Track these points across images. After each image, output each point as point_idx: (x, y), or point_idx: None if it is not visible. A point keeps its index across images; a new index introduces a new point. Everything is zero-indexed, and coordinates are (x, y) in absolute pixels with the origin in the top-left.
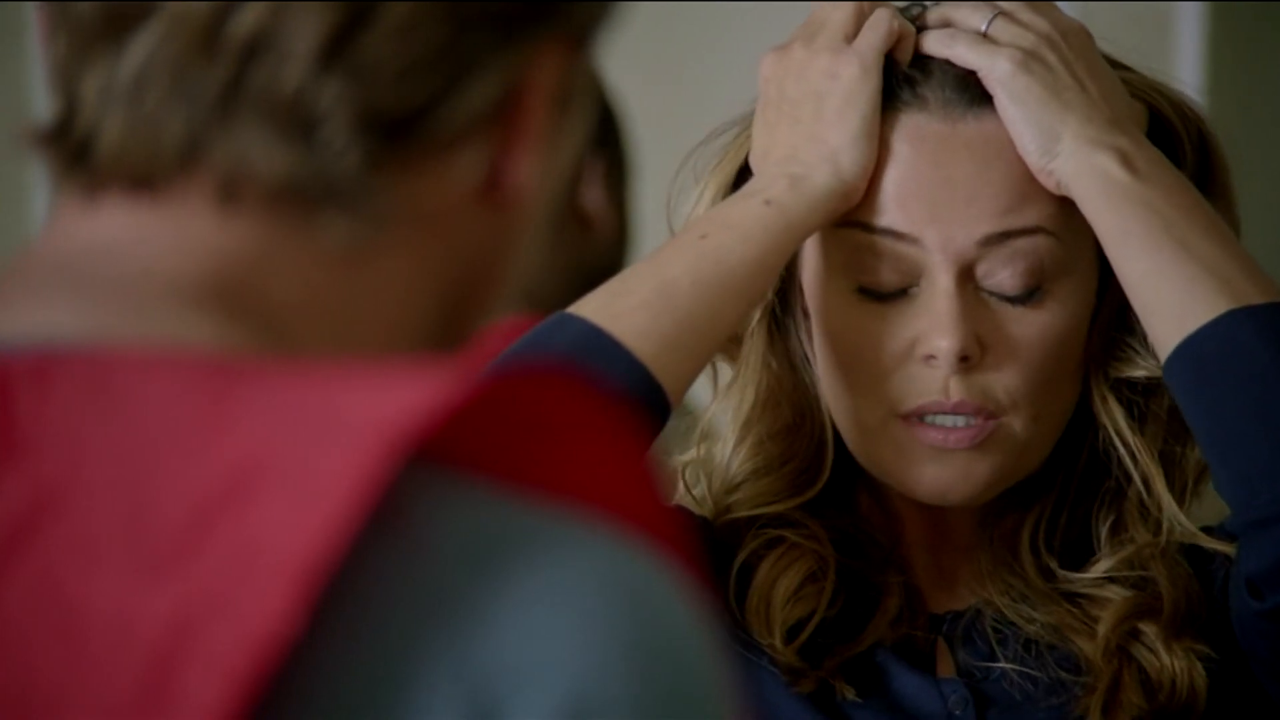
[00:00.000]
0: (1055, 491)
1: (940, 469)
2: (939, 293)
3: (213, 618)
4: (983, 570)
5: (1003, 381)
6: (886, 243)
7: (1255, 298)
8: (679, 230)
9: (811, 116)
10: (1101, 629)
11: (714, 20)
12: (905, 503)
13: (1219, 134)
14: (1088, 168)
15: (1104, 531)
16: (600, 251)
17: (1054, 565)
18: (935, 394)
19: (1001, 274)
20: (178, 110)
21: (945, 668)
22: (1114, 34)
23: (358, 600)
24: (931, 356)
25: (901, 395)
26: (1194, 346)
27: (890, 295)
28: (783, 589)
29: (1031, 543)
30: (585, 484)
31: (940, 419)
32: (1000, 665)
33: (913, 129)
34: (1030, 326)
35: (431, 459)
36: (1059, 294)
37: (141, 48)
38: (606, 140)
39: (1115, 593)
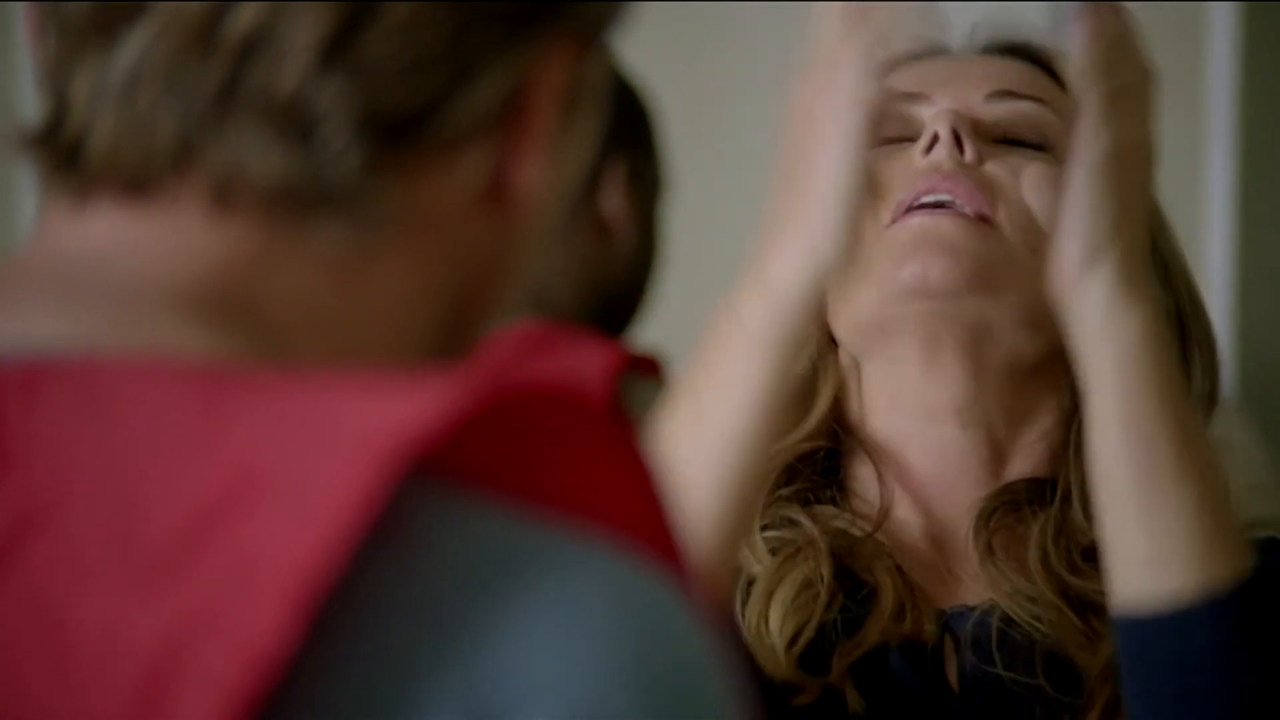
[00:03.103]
0: (1063, 493)
1: (929, 238)
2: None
3: (207, 634)
4: (984, 571)
5: (1003, 190)
6: (897, 106)
7: (1220, 573)
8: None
9: (791, 188)
10: (1104, 649)
11: (748, 16)
12: (900, 496)
13: (1252, 137)
14: (1116, 326)
15: None
16: (619, 262)
17: (1064, 572)
18: (929, 170)
19: (1009, 121)
20: (171, 110)
21: (952, 667)
22: (1144, 35)
23: (357, 616)
24: (933, 142)
25: (898, 196)
26: (1145, 630)
27: (894, 142)
28: (780, 601)
29: (1039, 549)
30: (590, 500)
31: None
32: (996, 672)
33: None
34: (1042, 168)
35: (433, 472)
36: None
37: (134, 46)
38: (631, 142)
39: None
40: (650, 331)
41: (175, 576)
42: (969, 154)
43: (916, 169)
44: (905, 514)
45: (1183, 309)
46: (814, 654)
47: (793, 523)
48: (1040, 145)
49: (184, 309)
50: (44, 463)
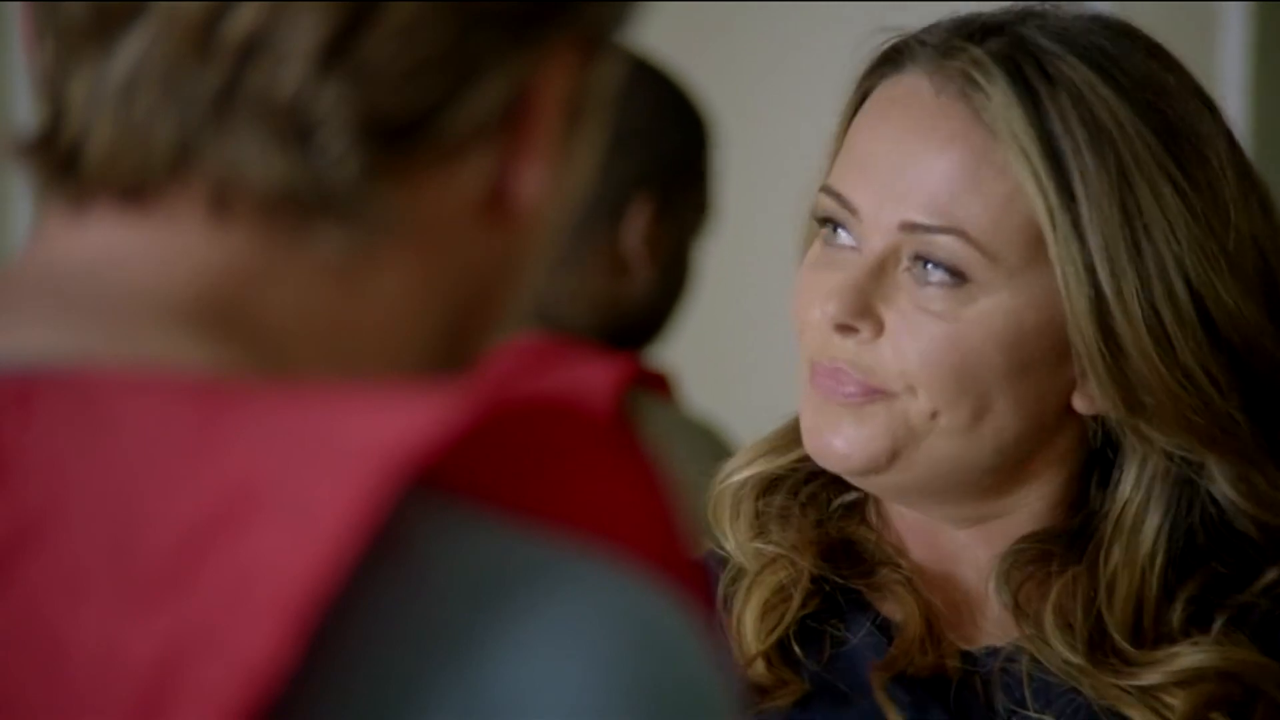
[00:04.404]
0: (1089, 552)
1: (823, 422)
2: (857, 259)
3: (204, 651)
4: (1017, 628)
5: (899, 365)
6: (836, 207)
7: None
8: None
9: None
10: (1179, 705)
11: (750, 19)
12: (905, 524)
13: (1265, 138)
14: None
15: (1178, 607)
16: (634, 298)
17: (1094, 635)
18: (822, 352)
19: (923, 251)
20: (169, 115)
21: (979, 708)
22: (1156, 34)
23: (357, 633)
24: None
25: (807, 345)
26: None
27: (849, 248)
28: (754, 605)
29: (1057, 613)
30: (593, 514)
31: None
32: (1038, 716)
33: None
34: (943, 313)
35: (434, 486)
36: (990, 299)
37: (132, 49)
38: (669, 178)
39: (1189, 667)
40: (668, 348)
41: (173, 592)
42: (865, 333)
43: (819, 327)
44: (915, 553)
45: None
46: (790, 657)
47: (780, 532)
48: (956, 271)
49: (181, 320)
50: (39, 476)
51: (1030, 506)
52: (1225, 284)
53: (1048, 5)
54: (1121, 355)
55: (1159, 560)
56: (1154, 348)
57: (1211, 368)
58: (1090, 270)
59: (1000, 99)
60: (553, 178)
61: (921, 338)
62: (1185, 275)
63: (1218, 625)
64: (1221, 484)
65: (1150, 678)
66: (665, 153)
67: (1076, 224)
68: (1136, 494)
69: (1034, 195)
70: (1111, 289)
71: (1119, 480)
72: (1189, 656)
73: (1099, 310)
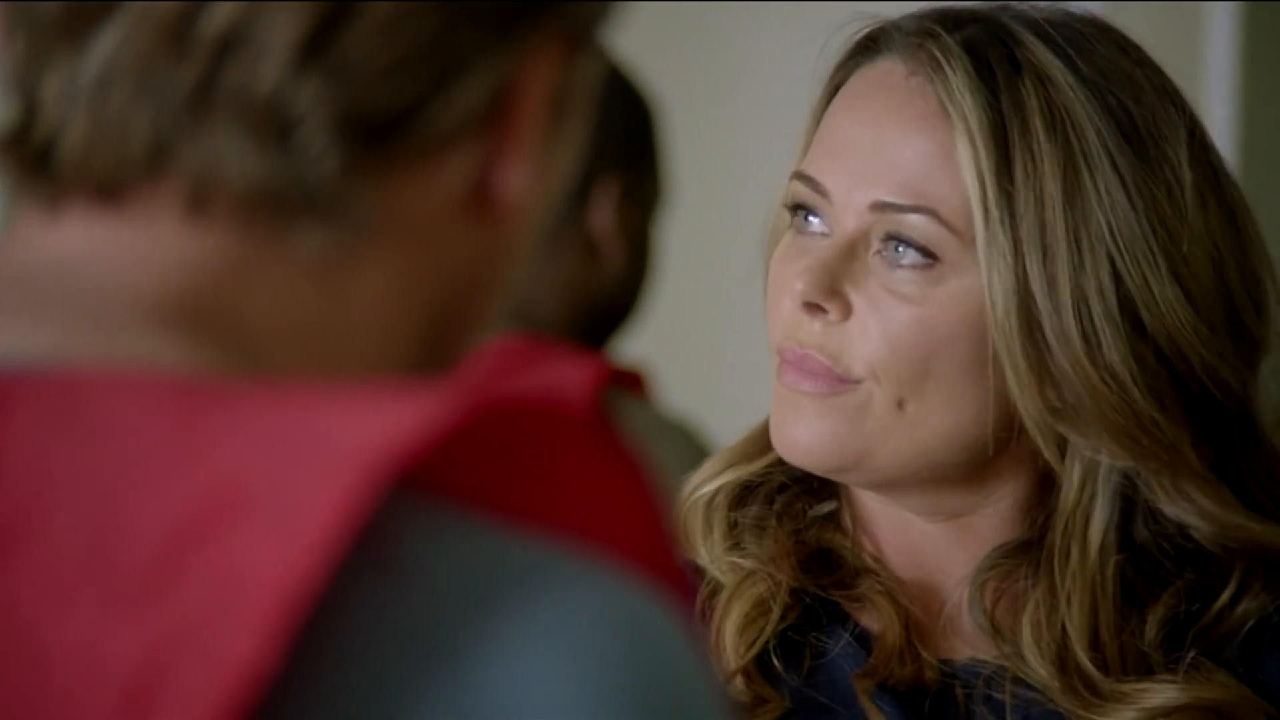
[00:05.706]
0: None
1: (788, 415)
2: (828, 241)
3: (188, 654)
4: (993, 643)
5: (865, 349)
6: (808, 191)
7: None
8: None
9: None
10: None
11: (745, 17)
12: (882, 532)
13: (1252, 140)
14: None
15: (1150, 631)
16: (606, 281)
17: (1061, 649)
18: (790, 337)
19: (892, 231)
20: (145, 111)
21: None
22: (1142, 35)
23: (342, 636)
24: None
25: (775, 334)
26: None
27: (820, 235)
28: (733, 619)
29: (1034, 628)
30: (578, 514)
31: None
32: None
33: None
34: (912, 296)
35: (419, 487)
36: (961, 280)
37: (105, 45)
38: (630, 160)
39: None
40: (638, 341)
41: (155, 595)
42: (832, 315)
43: (788, 313)
44: (893, 561)
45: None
46: (769, 672)
47: (756, 544)
48: (928, 252)
49: (159, 320)
50: (19, 477)
51: (998, 505)
52: (1162, 288)
53: (1025, 5)
54: (1044, 346)
55: (1110, 565)
56: (1079, 340)
57: (1135, 370)
58: (1018, 256)
59: (958, 83)
60: (536, 175)
61: (890, 321)
62: (1117, 273)
63: (1191, 657)
64: (1159, 497)
65: (1124, 715)
66: (618, 134)
67: (1011, 208)
68: (1083, 494)
69: (970, 179)
70: (1040, 275)
71: (1066, 479)
72: (1162, 694)
73: (1023, 297)
